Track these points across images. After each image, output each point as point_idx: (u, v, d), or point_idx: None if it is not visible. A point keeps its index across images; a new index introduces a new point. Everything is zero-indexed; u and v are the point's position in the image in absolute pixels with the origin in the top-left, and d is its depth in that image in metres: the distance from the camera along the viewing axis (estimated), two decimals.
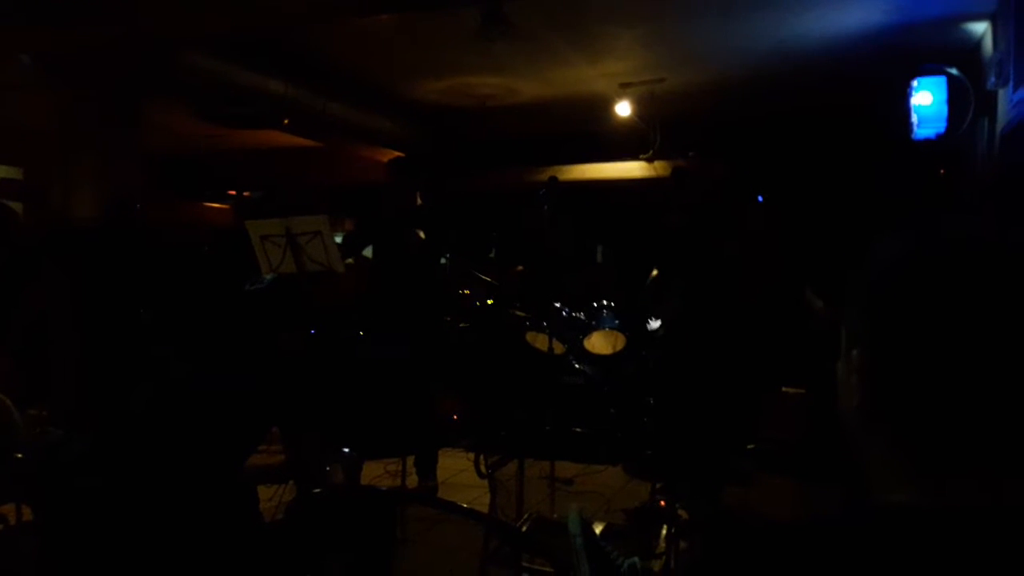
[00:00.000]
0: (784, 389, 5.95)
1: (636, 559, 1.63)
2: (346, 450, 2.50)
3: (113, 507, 2.14)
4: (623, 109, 7.23)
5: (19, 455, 2.52)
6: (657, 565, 3.09)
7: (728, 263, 4.72)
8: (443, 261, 6.32)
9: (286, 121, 6.48)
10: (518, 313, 6.55)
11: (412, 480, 4.95)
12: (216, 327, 2.43)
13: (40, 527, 2.49)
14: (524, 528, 2.69)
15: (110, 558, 2.12)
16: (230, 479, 2.20)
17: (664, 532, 3.47)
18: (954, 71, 4.94)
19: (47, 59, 5.26)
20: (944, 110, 4.94)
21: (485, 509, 3.58)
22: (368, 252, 5.30)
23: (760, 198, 4.87)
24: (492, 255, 7.19)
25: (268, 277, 2.42)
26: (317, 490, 2.28)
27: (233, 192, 5.15)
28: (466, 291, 6.87)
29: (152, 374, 2.36)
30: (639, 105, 7.22)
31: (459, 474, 5.44)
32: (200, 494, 2.10)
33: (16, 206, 5.48)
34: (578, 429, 5.95)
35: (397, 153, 8.50)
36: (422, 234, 4.89)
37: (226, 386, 2.30)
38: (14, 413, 2.87)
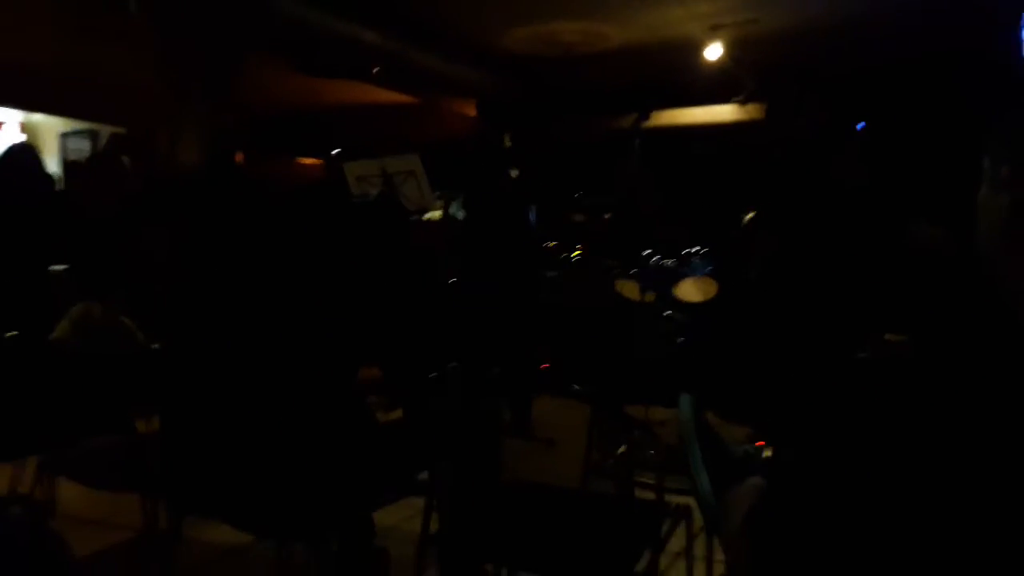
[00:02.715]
0: (886, 337, 5.76)
1: (750, 446, 1.62)
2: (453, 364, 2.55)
3: (236, 411, 2.24)
4: (714, 52, 7.03)
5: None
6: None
7: (828, 199, 4.56)
8: (531, 216, 6.30)
9: (376, 69, 6.53)
10: (608, 261, 6.51)
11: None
12: (329, 263, 2.50)
13: (164, 435, 2.60)
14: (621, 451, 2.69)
15: (234, 460, 2.23)
16: (345, 387, 2.28)
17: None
18: None
19: (151, 8, 5.44)
20: None
21: (579, 452, 3.57)
22: (454, 210, 5.34)
23: (861, 126, 4.68)
24: (579, 198, 7.15)
25: (374, 192, 2.47)
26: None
27: (327, 149, 5.29)
28: (552, 243, 6.85)
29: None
30: (731, 48, 7.00)
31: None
32: (317, 395, 2.19)
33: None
34: (668, 373, 5.90)
35: None
36: (514, 173, 4.91)
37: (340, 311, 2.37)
38: (138, 333, 3.04)
